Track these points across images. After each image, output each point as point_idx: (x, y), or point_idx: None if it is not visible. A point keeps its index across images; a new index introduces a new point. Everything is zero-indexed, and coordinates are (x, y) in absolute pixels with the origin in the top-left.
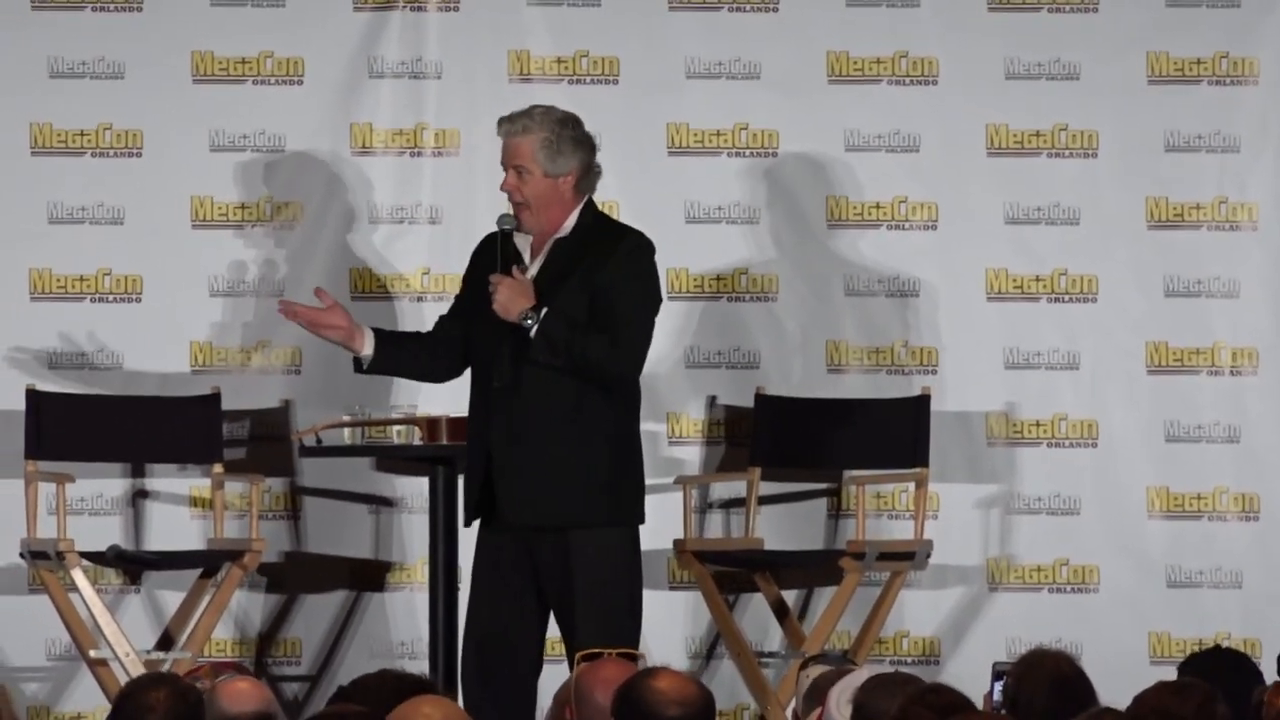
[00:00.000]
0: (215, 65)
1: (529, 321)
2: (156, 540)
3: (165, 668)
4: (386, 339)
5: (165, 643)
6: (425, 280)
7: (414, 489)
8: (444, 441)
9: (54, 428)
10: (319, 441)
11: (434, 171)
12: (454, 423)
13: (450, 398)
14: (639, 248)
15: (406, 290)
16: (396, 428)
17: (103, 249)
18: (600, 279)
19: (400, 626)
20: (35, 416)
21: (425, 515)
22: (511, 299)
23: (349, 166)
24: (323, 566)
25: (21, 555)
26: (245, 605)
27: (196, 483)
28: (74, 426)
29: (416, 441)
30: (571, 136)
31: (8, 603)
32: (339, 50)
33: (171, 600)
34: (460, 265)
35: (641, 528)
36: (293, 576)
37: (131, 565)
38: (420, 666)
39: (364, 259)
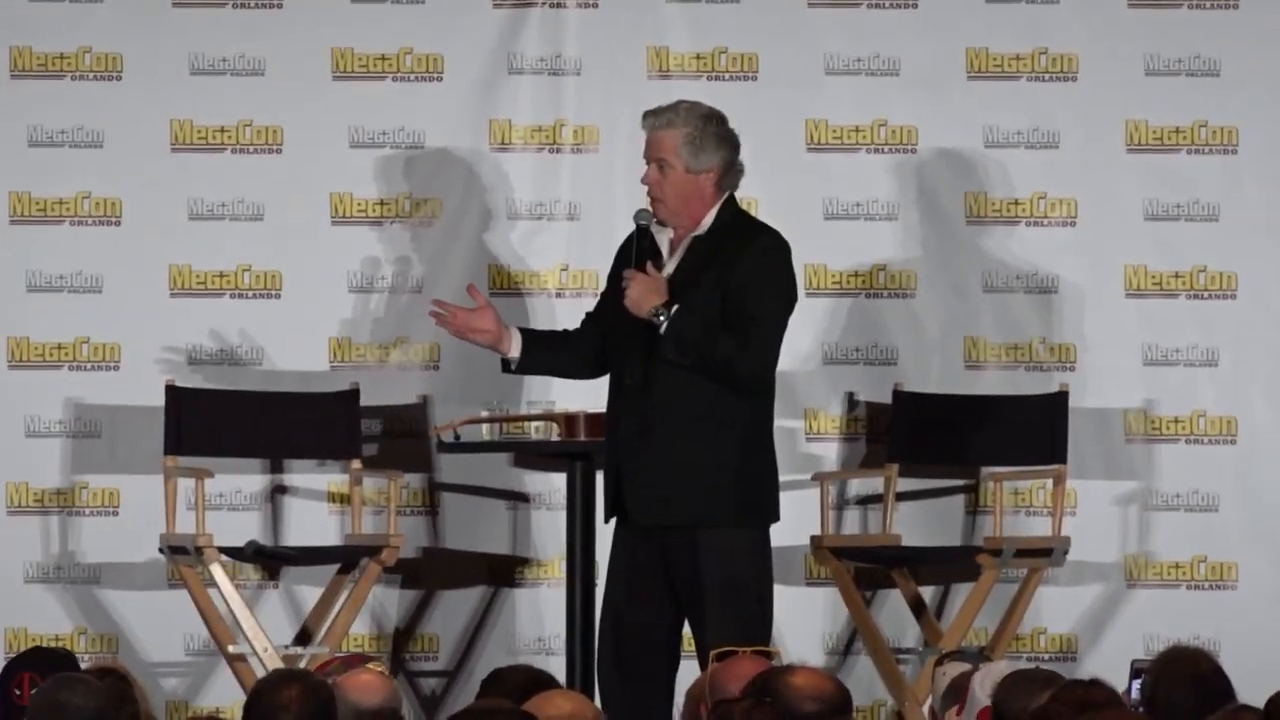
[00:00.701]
0: (355, 62)
1: (660, 318)
2: (295, 536)
3: (303, 663)
4: (533, 340)
5: (303, 638)
6: (563, 277)
7: (551, 485)
8: (581, 437)
9: (193, 424)
10: (457, 437)
11: (572, 168)
12: (591, 418)
13: (587, 393)
14: (773, 248)
15: (544, 287)
16: (534, 424)
17: (243, 245)
18: (733, 278)
19: (537, 622)
20: (175, 412)
21: (563, 511)
22: (643, 295)
23: (488, 163)
24: (460, 562)
25: (161, 550)
26: (383, 601)
27: (335, 478)
28: (213, 422)
29: (554, 438)
30: (715, 133)
31: (147, 598)
32: (478, 47)
33: (309, 596)
34: (597, 262)
35: (778, 525)
36: (430, 572)
37: (270, 561)
38: (557, 663)
39: (502, 256)
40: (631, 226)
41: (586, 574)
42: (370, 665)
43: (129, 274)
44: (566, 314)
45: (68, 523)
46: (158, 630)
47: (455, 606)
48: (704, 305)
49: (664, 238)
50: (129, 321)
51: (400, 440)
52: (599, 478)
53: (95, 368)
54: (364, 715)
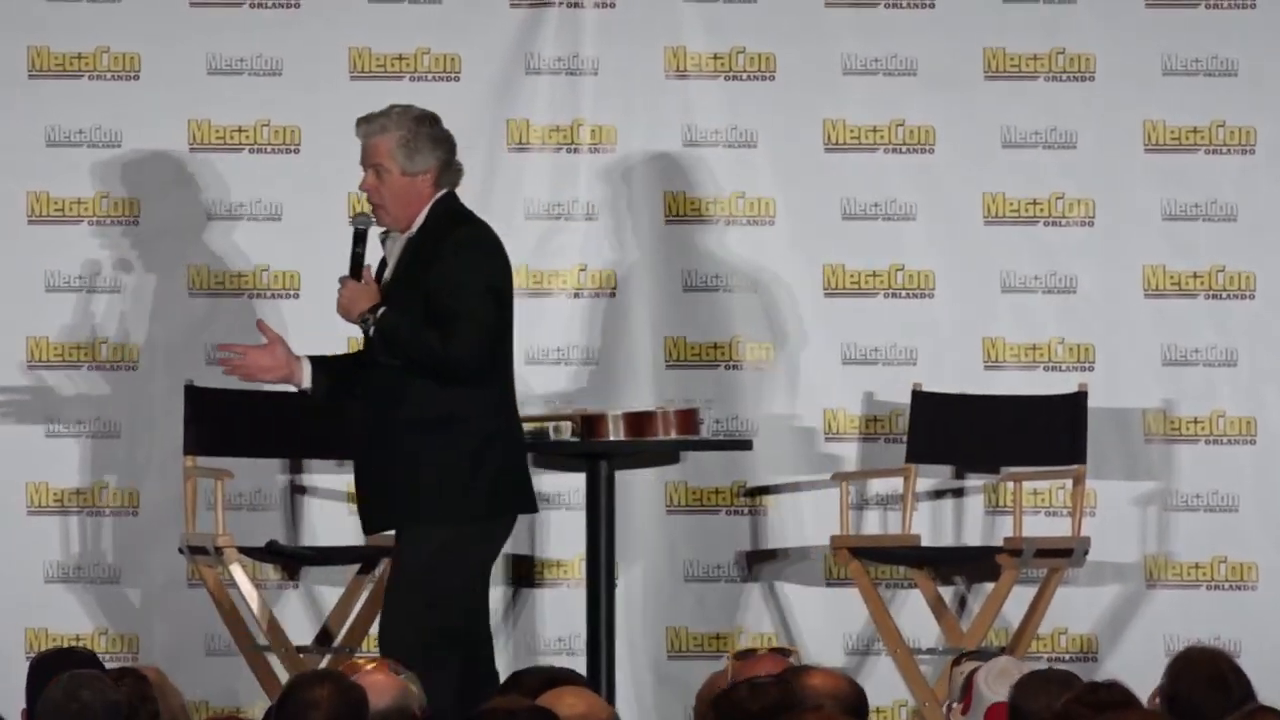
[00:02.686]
0: (373, 62)
1: (365, 323)
2: (314, 535)
3: (323, 663)
4: (325, 368)
5: (323, 638)
6: (581, 277)
7: (571, 485)
8: (601, 437)
9: (212, 423)
10: None
11: (590, 168)
12: (614, 419)
13: (608, 394)
14: (466, 242)
15: (563, 287)
16: (553, 423)
17: (261, 245)
18: (432, 275)
19: (558, 622)
20: (193, 412)
21: (583, 511)
22: (352, 301)
23: (506, 163)
24: None
25: (180, 550)
26: None
27: (351, 479)
28: (232, 422)
29: (573, 437)
30: (429, 134)
31: (170, 597)
32: (496, 47)
33: (330, 596)
34: (615, 262)
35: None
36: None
37: (289, 560)
38: (578, 663)
39: (520, 256)
40: None
41: (608, 574)
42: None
43: (148, 273)
44: (585, 314)
45: (88, 523)
46: (178, 630)
47: None
48: (409, 302)
49: (399, 240)
50: (148, 321)
51: None
52: (619, 477)
53: (115, 368)
54: (377, 716)
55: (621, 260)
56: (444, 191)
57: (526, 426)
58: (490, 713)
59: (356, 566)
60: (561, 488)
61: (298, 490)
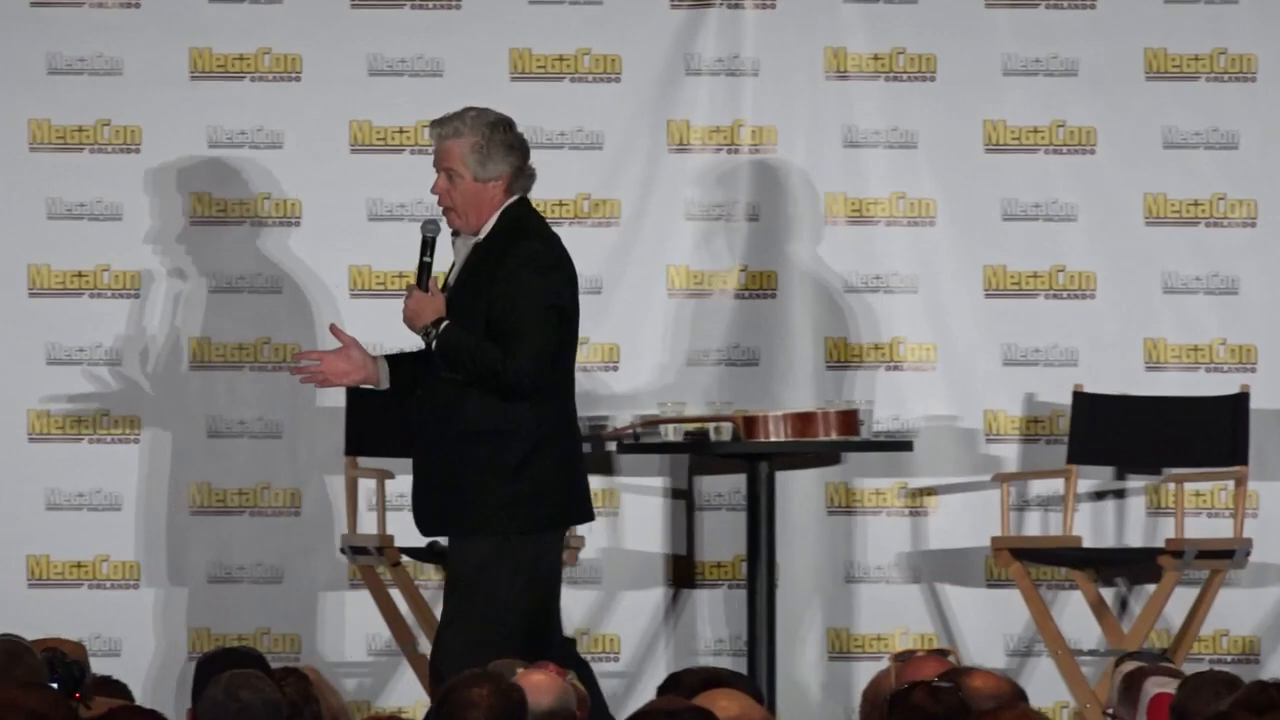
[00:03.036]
0: (534, 63)
1: (428, 334)
2: None
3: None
4: (398, 365)
5: None
6: (742, 277)
7: (731, 485)
8: (761, 438)
9: (374, 424)
10: (636, 438)
11: (751, 169)
12: (775, 420)
13: (772, 394)
14: (525, 261)
15: (724, 288)
16: (714, 424)
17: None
18: (494, 289)
19: (718, 624)
20: (355, 413)
21: (743, 512)
22: (417, 312)
23: (666, 164)
24: (640, 563)
25: (343, 551)
26: (565, 600)
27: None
28: (393, 423)
29: (734, 438)
30: (503, 140)
31: (329, 598)
32: (656, 47)
33: None
34: (777, 263)
35: (938, 525)
36: (610, 573)
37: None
38: (738, 664)
39: (679, 257)
40: None
41: (768, 575)
42: (547, 664)
43: (309, 271)
44: (745, 315)
45: (251, 523)
46: (341, 630)
47: (636, 607)
48: (472, 315)
49: (466, 243)
50: (311, 323)
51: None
52: (779, 478)
53: (277, 369)
54: (540, 716)
55: (782, 261)
56: (516, 198)
57: (687, 427)
58: (650, 714)
59: None
60: (722, 488)
61: None
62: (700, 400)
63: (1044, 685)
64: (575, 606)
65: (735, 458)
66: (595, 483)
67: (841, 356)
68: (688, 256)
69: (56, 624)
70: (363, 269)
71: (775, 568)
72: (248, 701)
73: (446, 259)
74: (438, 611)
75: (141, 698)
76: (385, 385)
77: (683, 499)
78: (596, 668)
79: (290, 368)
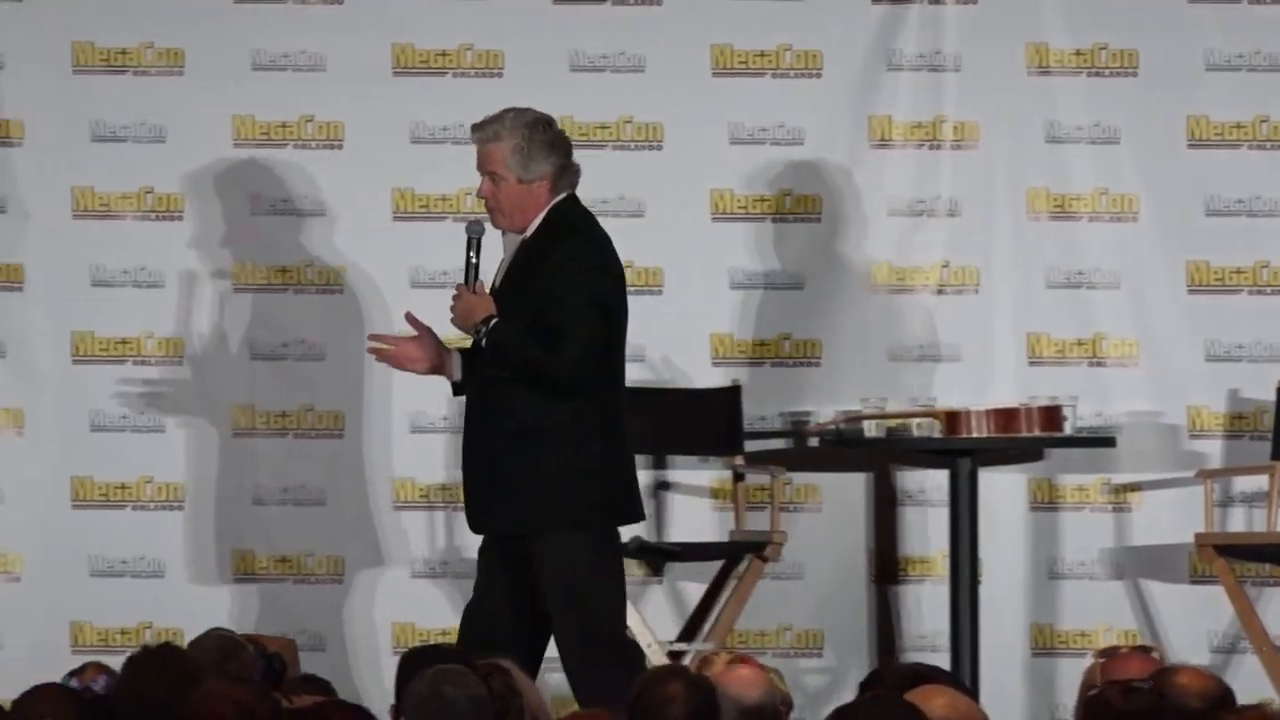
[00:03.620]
0: (735, 59)
1: (478, 333)
2: (678, 532)
3: (688, 659)
4: (472, 360)
5: (688, 634)
6: (944, 274)
7: (934, 481)
8: (964, 434)
9: None
10: (839, 434)
11: (953, 164)
12: (978, 416)
13: (974, 390)
14: (568, 259)
15: (926, 283)
16: (916, 420)
17: (626, 242)
18: (540, 286)
19: (920, 619)
20: None
21: (945, 508)
22: (468, 312)
23: (868, 159)
24: (843, 558)
25: None
26: (767, 596)
27: (718, 474)
28: None
29: (936, 434)
30: (543, 140)
31: None
32: (857, 43)
33: (694, 591)
34: (979, 259)
35: (1074, 522)
36: (813, 568)
37: (654, 556)
38: (941, 659)
39: (882, 253)
40: None
41: (971, 571)
42: (750, 659)
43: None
44: (948, 311)
45: (453, 517)
46: None
47: (838, 602)
48: (520, 313)
49: (512, 241)
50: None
51: (783, 436)
52: (982, 475)
53: None
54: (745, 710)
55: (984, 256)
56: (562, 195)
57: (890, 423)
58: (858, 709)
59: (720, 563)
60: (925, 484)
61: (661, 486)
62: (902, 396)
63: (1249, 683)
64: (776, 601)
65: (937, 454)
66: (797, 477)
67: (1044, 352)
68: (889, 252)
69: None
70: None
71: (978, 563)
72: (451, 697)
73: (495, 256)
74: (641, 606)
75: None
76: (456, 378)
77: (885, 494)
78: (799, 663)
79: (367, 348)
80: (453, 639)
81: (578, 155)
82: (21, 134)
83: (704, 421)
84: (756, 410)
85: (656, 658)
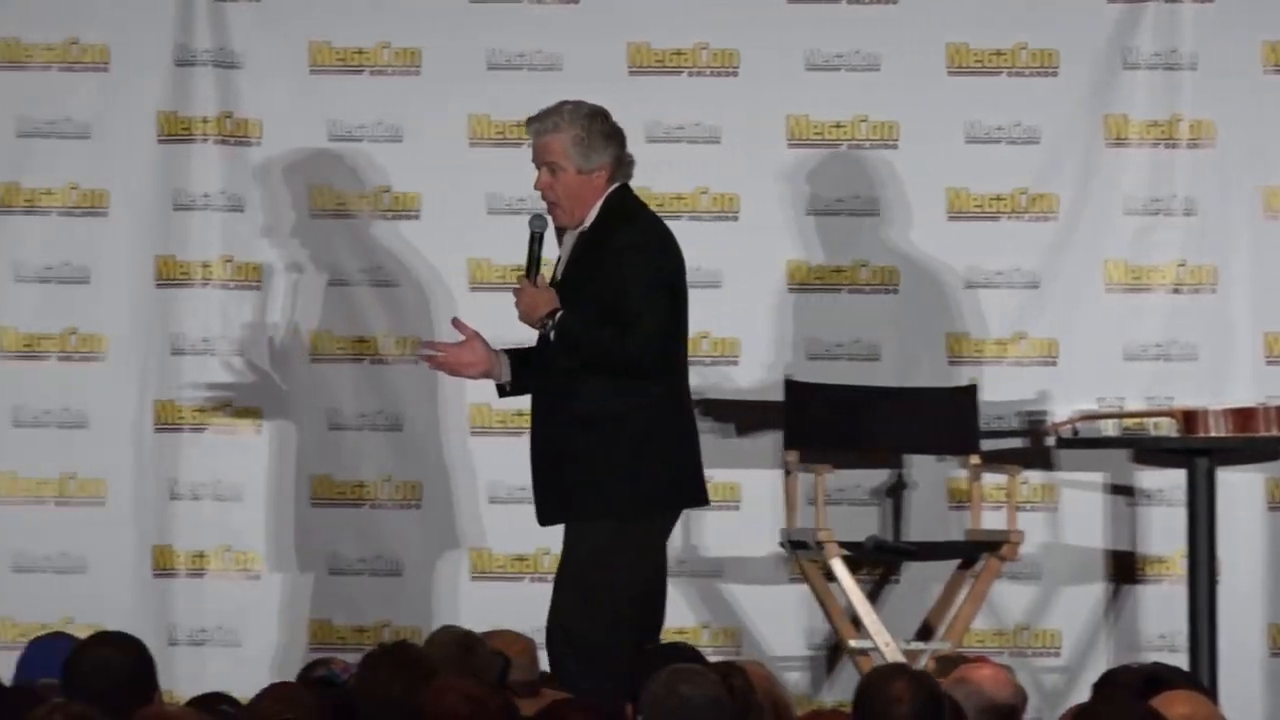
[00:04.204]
0: (970, 57)
1: (547, 327)
2: (914, 531)
3: (923, 660)
4: (520, 361)
5: (924, 633)
6: (1180, 272)
7: (1172, 481)
8: (1202, 434)
9: (812, 418)
10: (1075, 433)
11: (1189, 163)
12: (1215, 415)
13: (1212, 389)
14: (627, 246)
15: (1162, 282)
16: (1153, 419)
17: (860, 240)
18: (603, 275)
19: (1159, 619)
20: (794, 407)
21: (1183, 508)
22: (532, 306)
23: (1103, 159)
24: (1080, 558)
25: (781, 545)
26: (1004, 596)
27: (954, 474)
28: (834, 417)
29: (1173, 434)
30: (601, 131)
31: (768, 592)
32: (1093, 42)
33: (930, 591)
34: (1217, 258)
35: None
36: (1050, 568)
37: (891, 556)
38: (1179, 660)
39: (1116, 252)
40: None
41: (1209, 571)
42: (988, 660)
43: (747, 269)
44: (1185, 310)
45: (690, 516)
46: (780, 624)
47: (1076, 602)
48: (584, 302)
49: (571, 234)
50: (748, 317)
51: (1020, 436)
52: (1220, 474)
53: (715, 362)
54: (992, 709)
55: (1221, 256)
56: (617, 185)
57: (1126, 422)
58: (1095, 709)
59: (957, 562)
60: (1163, 484)
61: (897, 485)
62: (1138, 395)
63: None
64: (1013, 601)
65: (1174, 453)
66: (1034, 476)
67: None
68: (1125, 251)
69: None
70: (801, 263)
71: (1216, 564)
72: (688, 696)
73: (552, 252)
74: (878, 606)
75: None
76: (505, 379)
77: (1123, 494)
78: (1035, 662)
79: (416, 355)
80: (687, 638)
81: (816, 155)
82: (259, 133)
83: (941, 421)
84: (993, 410)
85: (893, 658)
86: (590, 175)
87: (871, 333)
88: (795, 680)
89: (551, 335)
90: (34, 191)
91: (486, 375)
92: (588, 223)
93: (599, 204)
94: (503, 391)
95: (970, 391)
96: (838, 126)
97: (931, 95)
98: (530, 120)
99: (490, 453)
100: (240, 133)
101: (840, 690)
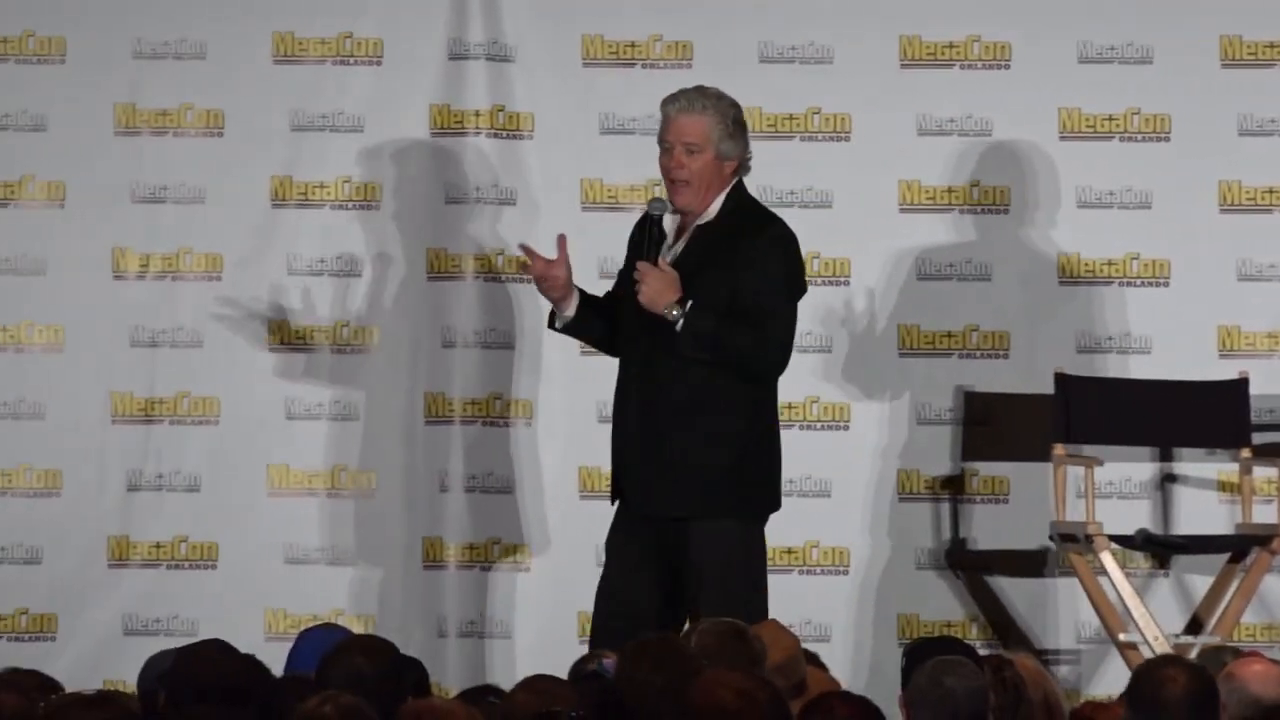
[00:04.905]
0: (1244, 49)
1: (675, 316)
2: (1185, 524)
3: (1193, 653)
4: (588, 303)
5: (1194, 627)
6: None
7: None
8: None
9: (1083, 412)
10: None
11: None
12: None
13: None
14: (781, 238)
15: None
16: None
17: (1133, 232)
18: (742, 268)
19: None
20: (1064, 400)
21: None
22: (659, 292)
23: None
24: None
25: (1050, 538)
26: (1275, 590)
27: (1224, 467)
28: (1103, 410)
29: None
30: (741, 122)
31: (1037, 585)
32: None
33: (1200, 584)
34: None
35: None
36: None
37: (1160, 549)
38: None
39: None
40: None
41: None
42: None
43: (1018, 263)
44: None
45: (960, 509)
46: (1049, 618)
47: None
48: (713, 295)
49: (672, 224)
50: (1018, 310)
51: None
52: None
53: (984, 356)
54: (1257, 706)
55: None
56: (738, 180)
57: None
58: None
59: (1226, 556)
60: None
61: (1168, 479)
62: None
63: None
64: None
65: None
66: None
67: None
68: None
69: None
70: (1071, 257)
71: None
72: (951, 687)
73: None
74: (1146, 599)
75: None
76: (569, 314)
77: None
78: None
79: (520, 244)
80: (955, 631)
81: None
82: (532, 127)
83: (1211, 414)
84: (1264, 403)
85: (1162, 652)
86: (723, 163)
87: (1141, 326)
88: (1064, 674)
89: (679, 326)
90: (308, 185)
91: (561, 300)
92: (712, 213)
93: (723, 195)
94: (552, 322)
95: (1241, 384)
96: (1109, 124)
97: (1203, 89)
98: (670, 99)
99: None
100: (512, 126)
101: (1109, 684)
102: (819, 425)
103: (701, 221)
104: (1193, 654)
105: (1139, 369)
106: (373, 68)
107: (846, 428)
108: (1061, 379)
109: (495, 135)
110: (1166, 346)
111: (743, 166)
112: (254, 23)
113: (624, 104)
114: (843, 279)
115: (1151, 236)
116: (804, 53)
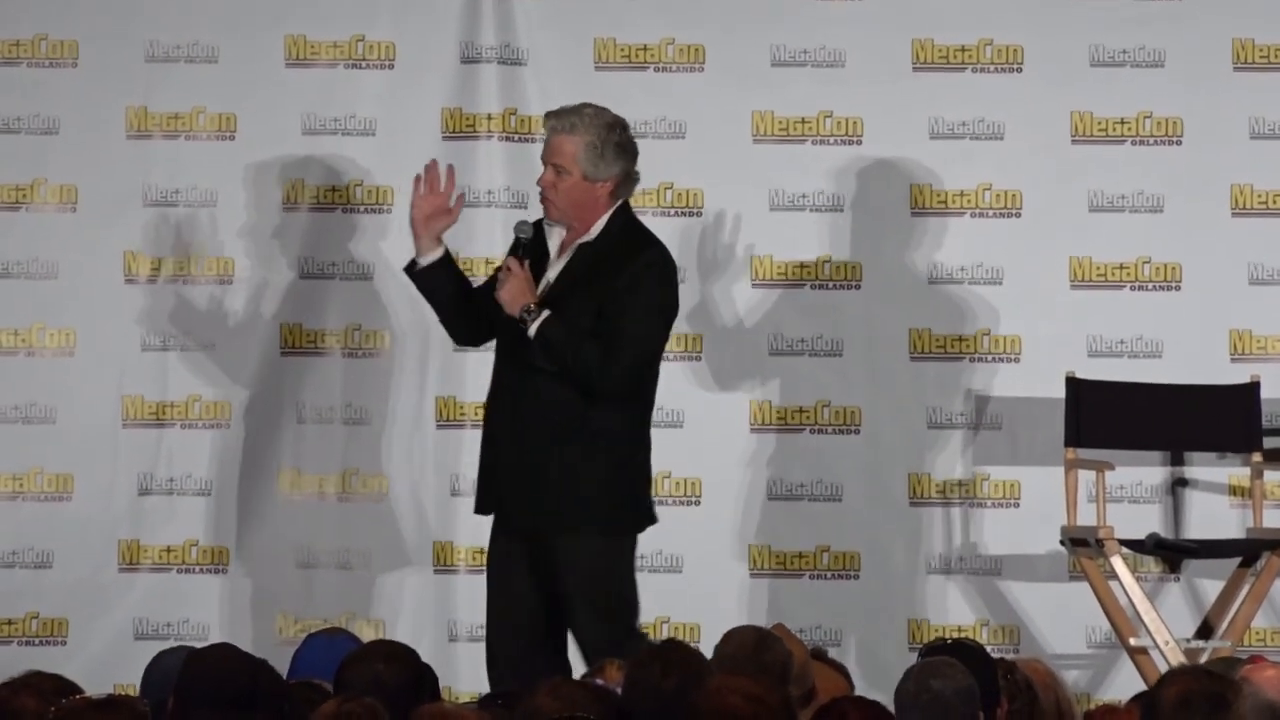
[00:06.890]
0: (1256, 54)
1: (527, 320)
2: (1195, 528)
3: (1204, 658)
4: (450, 264)
5: (1205, 632)
6: None
7: None
8: None
9: (1094, 415)
10: None
11: None
12: None
13: None
14: (656, 262)
15: None
16: None
17: (1144, 238)
18: (612, 289)
19: None
20: (1075, 404)
21: None
22: (516, 294)
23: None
24: None
25: (1061, 542)
26: None
27: (1235, 471)
28: (1114, 414)
29: None
30: (616, 142)
31: (1048, 590)
32: None
33: (1211, 589)
34: None
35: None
36: None
37: (1171, 553)
38: None
39: None
40: None
41: None
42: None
43: (1030, 267)
44: None
45: (969, 514)
46: (1059, 622)
47: None
48: (578, 312)
49: (555, 239)
50: (1030, 315)
51: None
52: None
53: (996, 360)
54: (1270, 711)
55: None
56: (621, 201)
57: None
58: None
59: (1237, 560)
60: None
61: (1179, 483)
62: None
63: None
64: None
65: None
66: None
67: None
68: None
69: None
70: (1084, 260)
71: None
72: (938, 690)
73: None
74: (1157, 604)
75: None
76: (423, 264)
77: None
78: None
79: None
80: (967, 634)
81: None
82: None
83: (1222, 418)
84: (1275, 408)
85: (1173, 656)
86: (595, 185)
87: (1153, 330)
88: (1075, 678)
89: (531, 331)
90: (320, 189)
91: (420, 238)
92: (594, 233)
93: (606, 216)
94: (410, 266)
95: (1253, 388)
96: (1122, 123)
97: (1215, 91)
98: (549, 115)
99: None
100: (524, 130)
101: (1120, 689)
102: (830, 429)
103: (583, 240)
104: (1203, 659)
105: (1150, 373)
106: (385, 71)
107: (857, 432)
108: (1073, 382)
109: (507, 139)
110: (1178, 350)
111: (622, 187)
112: (266, 26)
113: (636, 108)
114: (854, 283)
115: (1163, 240)
116: (816, 56)
